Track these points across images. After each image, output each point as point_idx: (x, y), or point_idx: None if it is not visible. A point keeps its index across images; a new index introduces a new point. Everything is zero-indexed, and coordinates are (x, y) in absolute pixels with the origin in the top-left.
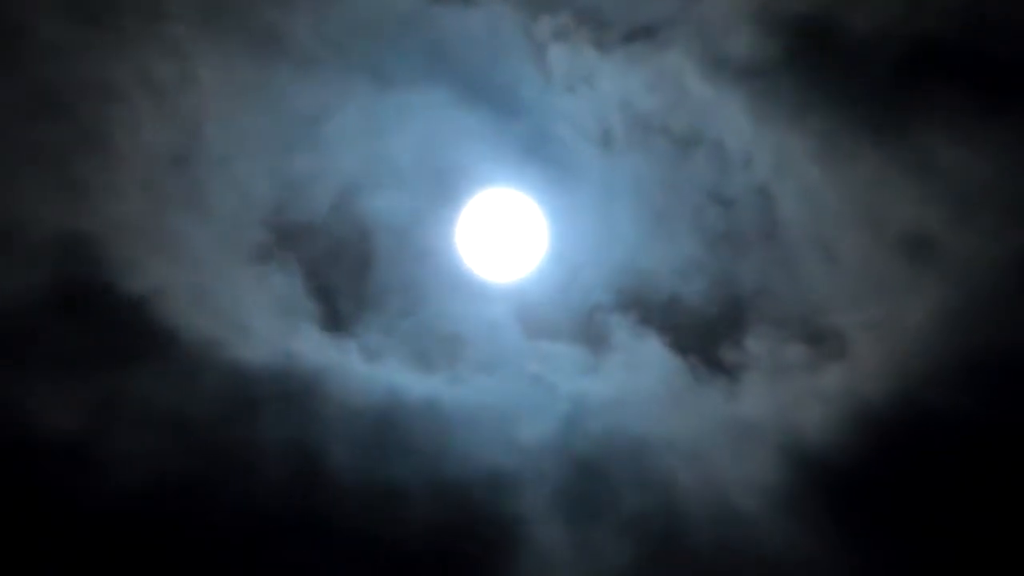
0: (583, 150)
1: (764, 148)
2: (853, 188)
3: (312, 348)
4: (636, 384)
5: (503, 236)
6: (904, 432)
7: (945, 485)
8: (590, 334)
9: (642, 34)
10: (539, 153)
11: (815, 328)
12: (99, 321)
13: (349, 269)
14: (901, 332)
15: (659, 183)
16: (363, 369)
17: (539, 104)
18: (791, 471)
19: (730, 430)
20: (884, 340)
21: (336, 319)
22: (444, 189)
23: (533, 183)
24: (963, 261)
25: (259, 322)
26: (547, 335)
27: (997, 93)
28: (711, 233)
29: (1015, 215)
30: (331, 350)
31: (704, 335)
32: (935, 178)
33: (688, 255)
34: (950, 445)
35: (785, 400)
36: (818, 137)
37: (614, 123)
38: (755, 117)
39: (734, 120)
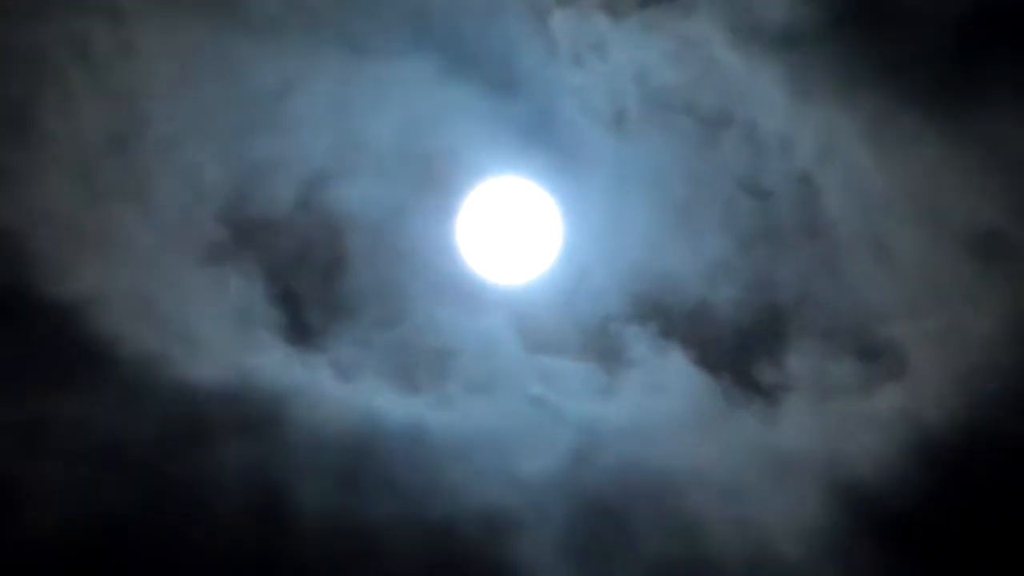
0: (593, 133)
1: (805, 130)
2: (910, 176)
3: (275, 364)
4: (657, 408)
5: (499, 233)
6: (972, 462)
7: (1020, 524)
8: (602, 348)
9: None
10: (541, 137)
11: (868, 341)
12: (24, 332)
13: (318, 272)
14: (968, 345)
15: (682, 171)
16: (335, 389)
17: (541, 79)
18: (840, 509)
19: (768, 462)
20: (948, 354)
21: (303, 330)
22: (428, 178)
23: (534, 172)
24: None
25: (212, 334)
26: (552, 349)
27: None
28: (744, 230)
29: None
30: (297, 367)
31: (737, 350)
32: (1005, 165)
33: (717, 256)
34: None
35: (833, 426)
36: (868, 117)
37: (629, 101)
38: (794, 93)
39: (770, 97)
